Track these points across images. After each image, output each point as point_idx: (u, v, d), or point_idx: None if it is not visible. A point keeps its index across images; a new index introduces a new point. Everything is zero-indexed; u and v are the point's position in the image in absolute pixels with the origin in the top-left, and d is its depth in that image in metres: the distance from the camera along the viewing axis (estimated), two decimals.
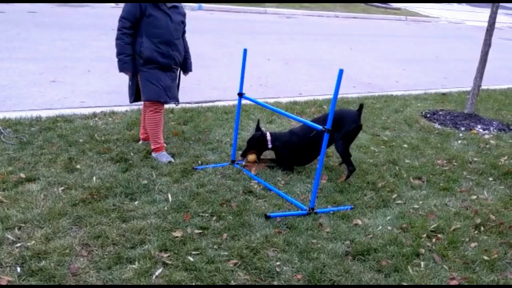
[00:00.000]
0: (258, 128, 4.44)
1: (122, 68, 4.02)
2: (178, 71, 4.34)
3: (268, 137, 4.34)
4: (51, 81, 6.37)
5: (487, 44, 6.28)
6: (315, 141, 3.93)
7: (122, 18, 3.93)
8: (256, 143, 4.31)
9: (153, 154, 4.29)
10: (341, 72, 3.15)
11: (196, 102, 6.01)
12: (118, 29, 3.96)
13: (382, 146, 5.14)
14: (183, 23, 4.22)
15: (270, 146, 4.33)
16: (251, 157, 4.34)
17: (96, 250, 2.94)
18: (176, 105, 4.60)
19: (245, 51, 3.98)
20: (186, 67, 4.37)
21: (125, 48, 3.94)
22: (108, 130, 4.82)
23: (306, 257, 3.07)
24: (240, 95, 4.18)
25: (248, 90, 4.35)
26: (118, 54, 3.97)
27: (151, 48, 3.96)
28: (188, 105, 5.85)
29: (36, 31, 9.09)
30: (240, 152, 4.52)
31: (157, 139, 4.28)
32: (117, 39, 3.97)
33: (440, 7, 24.18)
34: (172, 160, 4.26)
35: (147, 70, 4.04)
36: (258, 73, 7.61)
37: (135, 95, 4.25)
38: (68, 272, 2.72)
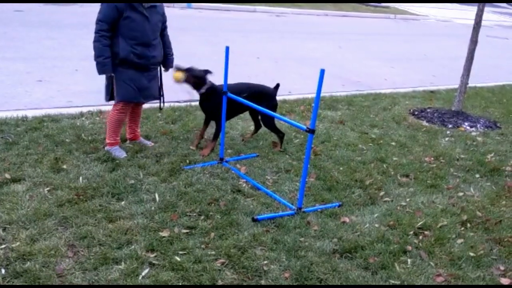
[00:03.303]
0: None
1: (102, 71, 3.98)
2: (159, 69, 4.33)
3: (209, 82, 4.40)
4: (38, 81, 6.30)
5: (473, 41, 6.33)
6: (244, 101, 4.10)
7: (99, 21, 3.88)
8: (199, 74, 4.34)
9: (106, 148, 4.30)
10: (322, 72, 3.17)
11: (184, 101, 5.98)
12: (96, 32, 3.89)
13: (370, 144, 5.16)
14: (162, 22, 4.20)
15: (206, 88, 4.36)
16: (178, 74, 4.20)
17: (82, 251, 2.92)
18: (161, 108, 4.56)
19: (227, 48, 3.95)
20: (166, 63, 4.36)
21: (104, 51, 3.90)
22: (95, 129, 4.79)
23: (294, 255, 3.08)
24: (225, 93, 4.16)
25: None
26: (97, 56, 3.92)
27: (127, 49, 3.94)
28: (176, 104, 5.83)
29: (23, 30, 8.99)
30: (230, 151, 4.51)
31: (115, 135, 4.29)
32: (95, 41, 3.91)
33: (429, 5, 24.31)
34: (126, 155, 4.25)
35: (122, 70, 4.02)
36: (247, 72, 7.59)
37: (110, 95, 4.21)
38: (53, 273, 2.70)
